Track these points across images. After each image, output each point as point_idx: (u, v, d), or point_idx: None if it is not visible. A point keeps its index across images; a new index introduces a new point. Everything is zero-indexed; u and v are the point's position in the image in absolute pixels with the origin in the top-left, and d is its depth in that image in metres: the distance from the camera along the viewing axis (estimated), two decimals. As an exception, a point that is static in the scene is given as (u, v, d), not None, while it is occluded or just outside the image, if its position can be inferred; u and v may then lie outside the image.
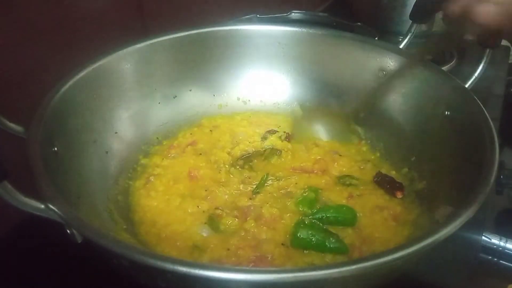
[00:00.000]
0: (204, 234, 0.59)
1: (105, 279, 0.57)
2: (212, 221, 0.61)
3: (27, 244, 0.64)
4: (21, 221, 0.64)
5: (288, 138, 0.77)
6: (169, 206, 0.64)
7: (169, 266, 0.38)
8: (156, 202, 0.65)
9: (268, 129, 0.79)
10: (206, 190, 0.67)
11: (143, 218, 0.62)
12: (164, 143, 0.77)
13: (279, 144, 0.76)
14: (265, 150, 0.76)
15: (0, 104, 0.64)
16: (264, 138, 0.77)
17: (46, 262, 0.62)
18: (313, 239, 0.56)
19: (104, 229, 0.55)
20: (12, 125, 0.56)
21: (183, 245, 0.58)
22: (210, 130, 0.80)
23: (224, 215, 0.62)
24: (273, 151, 0.75)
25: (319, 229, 0.58)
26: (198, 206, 0.63)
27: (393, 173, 0.70)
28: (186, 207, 0.63)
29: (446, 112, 0.65)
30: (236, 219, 0.61)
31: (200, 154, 0.74)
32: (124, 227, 0.60)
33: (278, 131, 0.78)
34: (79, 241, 0.45)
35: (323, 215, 0.61)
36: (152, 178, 0.69)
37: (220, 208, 0.63)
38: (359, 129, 0.79)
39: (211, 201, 0.65)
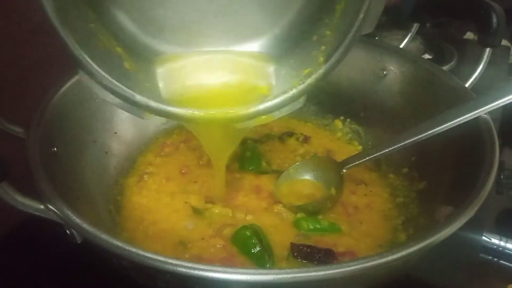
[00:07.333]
0: (190, 227, 0.60)
1: (105, 279, 0.57)
2: (197, 210, 0.62)
3: (27, 244, 0.64)
4: (21, 221, 0.64)
5: (306, 140, 0.77)
6: (160, 204, 0.64)
7: (169, 266, 0.38)
8: (147, 200, 0.65)
9: (285, 131, 0.79)
10: (196, 182, 0.67)
11: (130, 215, 0.63)
12: (159, 140, 0.77)
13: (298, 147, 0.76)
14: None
15: (0, 104, 0.64)
16: (281, 139, 0.77)
17: (46, 262, 0.62)
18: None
19: (104, 229, 0.54)
20: (12, 125, 0.56)
21: (170, 241, 0.58)
22: None
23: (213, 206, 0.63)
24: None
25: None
26: (185, 202, 0.64)
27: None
28: (177, 204, 0.64)
29: None
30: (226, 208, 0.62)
31: (194, 149, 0.74)
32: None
33: (295, 133, 0.78)
34: (79, 241, 0.45)
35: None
36: (145, 177, 0.69)
37: (210, 201, 0.64)
38: (359, 129, 0.79)
39: (203, 194, 0.65)
